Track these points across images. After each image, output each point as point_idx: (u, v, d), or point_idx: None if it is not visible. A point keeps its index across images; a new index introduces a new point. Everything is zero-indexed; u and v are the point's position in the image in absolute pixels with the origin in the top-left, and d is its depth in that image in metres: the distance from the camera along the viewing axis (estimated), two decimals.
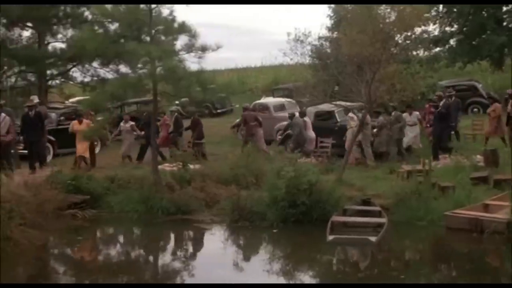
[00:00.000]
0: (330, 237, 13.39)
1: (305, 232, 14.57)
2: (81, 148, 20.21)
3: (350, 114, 20.43)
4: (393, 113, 20.44)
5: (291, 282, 11.69)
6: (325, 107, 21.96)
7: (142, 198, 16.48)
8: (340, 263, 13.16)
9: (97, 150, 22.27)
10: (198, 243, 15.20)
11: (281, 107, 27.53)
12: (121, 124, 22.22)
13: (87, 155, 20.48)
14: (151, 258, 14.33)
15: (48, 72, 34.40)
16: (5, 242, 12.58)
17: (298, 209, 14.72)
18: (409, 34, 17.41)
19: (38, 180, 16.54)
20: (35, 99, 20.29)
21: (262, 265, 12.66)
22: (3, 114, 18.77)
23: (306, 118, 22.18)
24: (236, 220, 15.28)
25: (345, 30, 17.34)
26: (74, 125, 20.72)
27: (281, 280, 11.63)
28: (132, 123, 22.21)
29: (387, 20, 17.03)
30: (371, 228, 14.19)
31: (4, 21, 33.11)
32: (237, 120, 28.05)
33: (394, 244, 14.20)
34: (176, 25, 16.73)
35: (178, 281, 11.77)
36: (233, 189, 16.51)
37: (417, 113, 21.63)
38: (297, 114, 22.64)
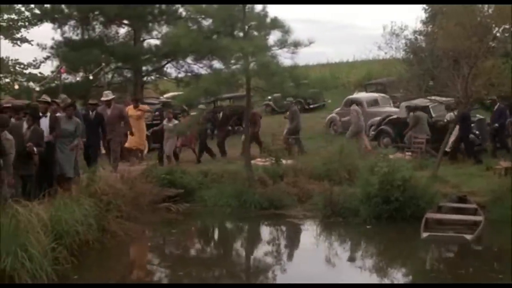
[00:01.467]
0: (424, 235, 13.15)
1: (399, 229, 14.36)
2: (132, 140, 19.40)
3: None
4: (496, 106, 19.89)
5: (383, 279, 11.53)
6: (420, 102, 21.58)
7: (235, 192, 16.62)
8: (434, 261, 12.89)
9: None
10: (290, 238, 15.19)
11: (374, 102, 27.22)
12: (164, 122, 21.07)
13: (142, 147, 20.30)
14: (243, 252, 14.43)
15: (144, 68, 35.19)
16: (103, 234, 12.89)
17: (392, 205, 14.53)
18: (508, 27, 16.89)
19: (133, 174, 16.92)
20: (109, 94, 18.74)
21: (355, 262, 12.56)
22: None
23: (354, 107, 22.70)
24: (329, 216, 15.21)
25: (441, 24, 16.98)
26: (129, 110, 19.78)
27: (374, 278, 11.49)
28: (176, 121, 21.23)
29: (485, 13, 16.58)
30: (466, 226, 13.83)
31: (102, 19, 34.03)
32: (331, 115, 27.93)
33: (491, 243, 13.79)
34: (268, 20, 16.79)
35: (269, 276, 11.76)
36: (326, 184, 16.43)
37: None
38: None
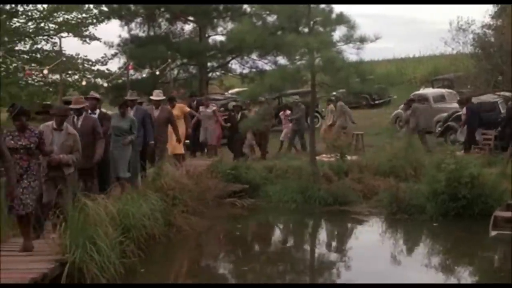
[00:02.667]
0: (493, 233, 12.88)
1: (466, 227, 14.13)
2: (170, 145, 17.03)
3: None
4: None
5: (450, 278, 11.35)
6: (488, 98, 21.16)
7: (299, 188, 16.60)
8: (503, 260, 12.61)
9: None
10: (355, 235, 15.08)
11: (441, 98, 26.80)
12: (201, 109, 20.62)
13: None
14: (307, 248, 14.40)
15: (209, 64, 35.43)
16: (169, 228, 13.05)
17: (459, 202, 14.30)
18: None
19: (199, 169, 17.08)
20: (160, 94, 16.60)
21: (420, 260, 12.38)
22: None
23: None
24: (394, 213, 15.06)
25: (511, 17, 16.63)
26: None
27: (440, 276, 11.33)
28: (215, 107, 21.12)
29: None
30: None
31: (167, 16, 34.39)
32: (396, 111, 27.64)
33: None
34: (334, 16, 16.71)
35: (334, 272, 11.70)
36: (391, 181, 16.29)
37: None
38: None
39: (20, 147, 9.50)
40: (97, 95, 13.94)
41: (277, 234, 15.94)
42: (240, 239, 14.78)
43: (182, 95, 17.39)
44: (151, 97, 16.85)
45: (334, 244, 14.14)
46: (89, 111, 12.95)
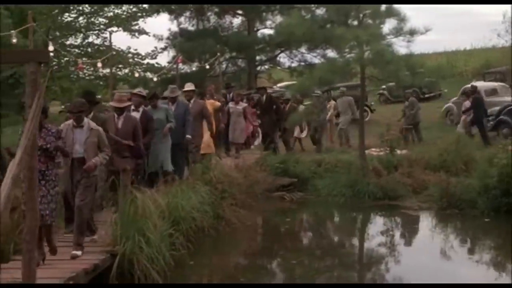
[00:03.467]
0: None
1: None
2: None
3: None
4: None
5: (501, 274, 11.16)
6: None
7: (348, 182, 16.54)
8: None
9: (303, 134, 22.67)
10: (404, 230, 14.95)
11: (493, 92, 26.35)
12: (231, 105, 19.23)
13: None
14: (356, 242, 14.33)
15: (257, 57, 35.47)
16: (218, 221, 13.12)
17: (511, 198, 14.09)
18: None
19: (248, 163, 17.13)
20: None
21: (470, 255, 12.25)
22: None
23: None
24: (445, 208, 14.89)
25: None
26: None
27: (491, 272, 11.15)
28: (245, 104, 19.74)
29: None
30: None
31: (216, 9, 34.52)
32: (447, 105, 27.30)
33: None
34: (383, 8, 16.56)
35: (382, 267, 11.61)
36: (442, 175, 16.09)
37: None
38: None
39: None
40: (143, 93, 13.22)
41: (325, 228, 15.90)
42: (289, 233, 14.77)
43: (215, 91, 16.71)
44: (183, 89, 15.88)
45: (383, 238, 14.03)
46: (132, 108, 12.46)
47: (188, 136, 14.04)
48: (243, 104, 19.50)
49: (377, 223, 15.73)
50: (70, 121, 9.57)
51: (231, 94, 20.70)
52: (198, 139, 15.05)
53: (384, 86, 32.08)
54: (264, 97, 20.90)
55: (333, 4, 16.43)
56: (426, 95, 33.86)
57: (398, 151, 18.17)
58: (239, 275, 10.97)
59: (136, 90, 13.28)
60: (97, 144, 9.48)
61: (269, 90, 26.87)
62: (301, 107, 21.54)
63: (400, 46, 16.52)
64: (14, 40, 16.43)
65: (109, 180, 10.96)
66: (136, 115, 12.32)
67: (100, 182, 10.79)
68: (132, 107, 12.48)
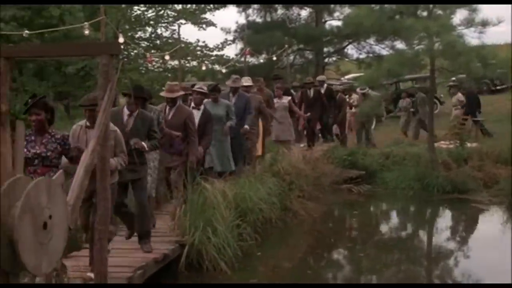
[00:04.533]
0: None
1: None
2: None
3: None
4: None
5: None
6: None
7: (417, 175, 16.37)
8: None
9: (372, 126, 22.48)
10: (474, 224, 14.69)
11: None
12: (276, 100, 16.91)
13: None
14: (424, 236, 14.14)
15: (325, 49, 35.34)
16: (285, 213, 13.16)
17: None
18: None
19: (315, 155, 17.11)
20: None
21: None
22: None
23: None
24: None
25: None
26: None
27: None
28: (289, 98, 17.45)
29: None
30: None
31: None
32: None
33: None
34: None
35: (451, 262, 11.46)
36: None
37: None
38: None
39: (34, 156, 7.02)
40: (205, 89, 11.95)
41: (393, 221, 15.75)
42: (356, 225, 14.71)
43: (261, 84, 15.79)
44: (228, 83, 14.62)
45: (452, 233, 13.82)
46: (193, 105, 11.55)
47: (246, 126, 13.20)
48: (287, 98, 17.30)
49: (446, 217, 15.52)
50: (83, 122, 8.11)
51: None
52: (254, 138, 14.23)
53: (454, 78, 31.49)
54: (312, 91, 19.48)
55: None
56: (498, 87, 33.13)
57: (468, 144, 17.87)
58: (306, 267, 10.98)
59: (196, 87, 12.09)
60: (113, 147, 7.75)
61: (336, 83, 26.73)
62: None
63: (472, 37, 16.24)
64: (87, 32, 16.79)
65: (164, 177, 10.88)
66: (197, 114, 11.22)
67: (153, 182, 10.61)
68: (193, 105, 11.66)
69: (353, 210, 15.52)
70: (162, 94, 10.81)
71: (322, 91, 19.91)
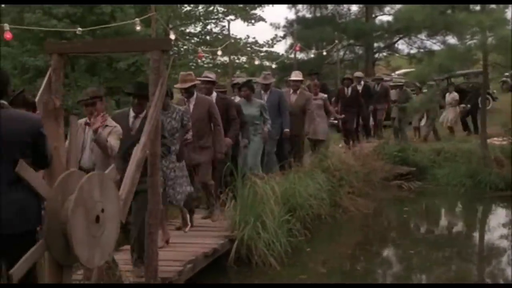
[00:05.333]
0: None
1: None
2: None
3: None
4: None
5: None
6: None
7: (469, 172, 16.14)
8: None
9: (422, 122, 22.23)
10: None
11: None
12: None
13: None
14: (476, 234, 13.94)
15: (375, 45, 35.09)
16: (335, 209, 13.11)
17: None
18: None
19: (365, 151, 17.02)
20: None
21: None
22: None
23: None
24: None
25: None
26: None
27: None
28: (325, 95, 16.40)
29: None
30: None
31: None
32: None
33: None
34: None
35: (503, 260, 11.26)
36: None
37: None
38: None
39: None
40: (212, 77, 10.99)
41: (445, 218, 15.56)
42: (407, 222, 14.57)
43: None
44: (290, 78, 14.73)
45: (504, 231, 13.59)
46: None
47: (287, 130, 12.89)
48: (322, 95, 16.27)
49: (499, 215, 15.26)
50: (85, 119, 7.56)
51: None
52: (300, 138, 13.99)
53: (507, 74, 30.98)
54: (350, 90, 18.82)
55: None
56: None
57: None
58: (356, 263, 10.93)
59: (203, 75, 11.12)
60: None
61: (386, 78, 26.46)
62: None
63: None
64: (138, 28, 17.02)
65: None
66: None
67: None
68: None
69: (403, 207, 15.36)
70: (176, 86, 10.18)
71: (359, 88, 19.48)
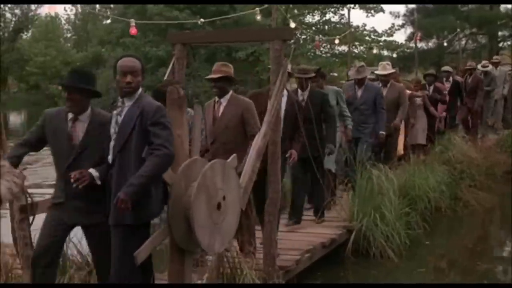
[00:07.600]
0: None
1: None
2: None
3: None
4: None
5: None
6: None
7: None
8: None
9: None
10: None
11: None
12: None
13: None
14: None
15: (500, 33, 33.99)
16: (455, 202, 12.80)
17: None
18: None
19: (488, 143, 16.55)
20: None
21: None
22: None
23: None
24: None
25: None
26: None
27: None
28: (425, 92, 14.75)
29: None
30: None
31: None
32: None
33: None
34: None
35: None
36: None
37: None
38: None
39: None
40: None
41: None
42: None
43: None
44: (377, 71, 13.05)
45: None
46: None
47: (382, 132, 11.50)
48: (422, 93, 14.55)
49: None
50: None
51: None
52: (395, 137, 12.51)
53: None
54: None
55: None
56: None
57: None
58: (475, 259, 10.61)
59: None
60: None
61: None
62: None
63: None
64: (258, 17, 17.26)
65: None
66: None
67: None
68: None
69: None
70: (207, 77, 7.51)
71: (448, 84, 16.46)
